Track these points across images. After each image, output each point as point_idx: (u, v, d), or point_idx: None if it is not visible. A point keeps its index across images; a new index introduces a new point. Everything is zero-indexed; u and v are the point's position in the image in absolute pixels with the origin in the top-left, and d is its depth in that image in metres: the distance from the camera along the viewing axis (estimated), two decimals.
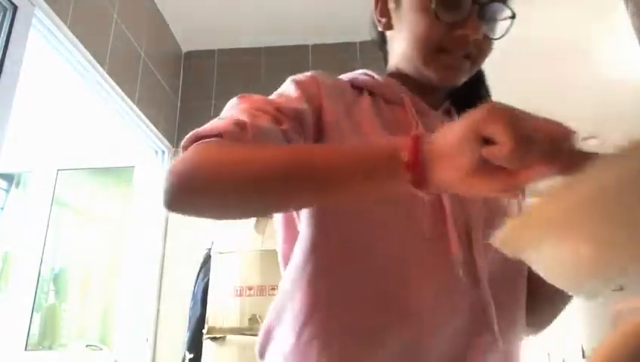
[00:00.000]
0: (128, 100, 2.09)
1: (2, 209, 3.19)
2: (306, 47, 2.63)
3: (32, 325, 2.75)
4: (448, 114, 0.78)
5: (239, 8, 2.39)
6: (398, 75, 0.77)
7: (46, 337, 2.85)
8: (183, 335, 2.04)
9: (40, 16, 1.59)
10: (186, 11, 2.45)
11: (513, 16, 0.72)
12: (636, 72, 2.94)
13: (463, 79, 0.74)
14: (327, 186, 0.50)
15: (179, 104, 2.63)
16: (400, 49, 0.75)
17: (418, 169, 0.44)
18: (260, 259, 1.85)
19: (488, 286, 0.63)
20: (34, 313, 2.77)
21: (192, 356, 1.89)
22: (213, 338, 1.81)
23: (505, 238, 0.44)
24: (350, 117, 0.68)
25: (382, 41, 0.81)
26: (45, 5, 1.58)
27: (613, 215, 0.41)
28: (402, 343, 0.60)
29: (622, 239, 0.41)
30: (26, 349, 2.69)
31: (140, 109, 2.18)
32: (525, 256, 0.46)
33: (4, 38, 1.47)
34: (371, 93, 0.74)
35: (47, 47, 1.71)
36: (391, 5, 0.76)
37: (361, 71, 0.78)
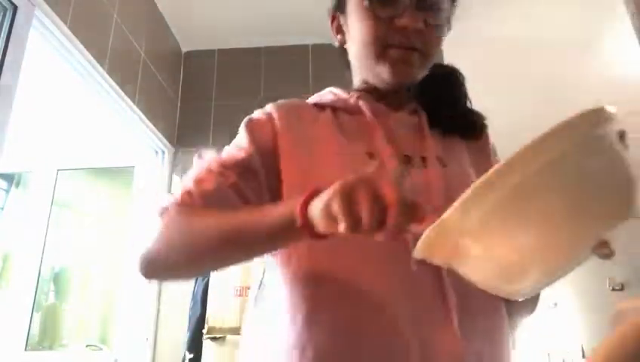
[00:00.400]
0: (128, 100, 2.09)
1: (2, 209, 3.19)
2: (306, 47, 2.63)
3: (32, 325, 2.75)
4: (415, 113, 0.80)
5: (239, 8, 2.39)
6: (360, 87, 0.82)
7: (46, 337, 2.85)
8: (183, 335, 2.04)
9: (40, 16, 1.59)
10: (186, 11, 2.45)
11: (454, 1, 0.76)
12: (637, 72, 2.94)
13: (418, 73, 0.77)
14: (248, 249, 0.64)
15: (179, 104, 2.63)
16: (355, 58, 0.80)
17: (310, 231, 0.54)
18: (260, 258, 1.84)
19: (459, 289, 0.64)
20: (34, 313, 2.77)
21: (192, 356, 1.89)
22: (213, 338, 1.81)
23: (424, 248, 0.45)
24: (309, 134, 0.74)
25: (344, 57, 0.85)
26: (45, 5, 1.58)
27: (527, 216, 0.41)
28: (372, 337, 0.63)
29: (539, 239, 0.41)
30: (26, 349, 2.69)
31: (140, 109, 2.18)
32: (452, 265, 0.46)
33: (4, 38, 1.47)
34: (335, 109, 0.79)
35: (47, 47, 1.71)
36: (342, 21, 0.81)
37: (327, 90, 0.84)
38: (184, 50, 2.72)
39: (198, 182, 0.70)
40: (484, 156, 0.81)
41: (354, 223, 0.48)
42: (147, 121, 2.25)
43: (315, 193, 0.54)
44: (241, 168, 0.71)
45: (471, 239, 0.43)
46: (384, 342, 0.62)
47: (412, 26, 0.71)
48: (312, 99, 0.83)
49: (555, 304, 7.68)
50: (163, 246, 0.67)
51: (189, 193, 0.69)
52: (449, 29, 0.80)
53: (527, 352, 7.46)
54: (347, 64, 0.85)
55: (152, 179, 2.43)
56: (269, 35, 2.56)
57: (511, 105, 3.33)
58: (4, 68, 1.44)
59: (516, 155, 0.40)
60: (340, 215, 0.48)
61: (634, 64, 2.86)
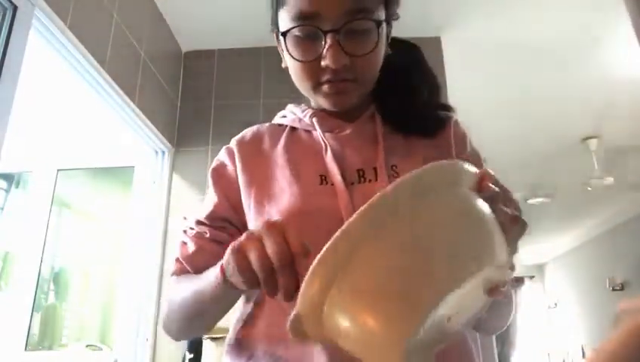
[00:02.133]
0: (128, 100, 2.09)
1: (2, 209, 3.19)
2: None
3: (32, 325, 2.75)
4: (372, 119, 0.81)
5: (239, 8, 2.39)
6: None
7: (46, 337, 2.85)
8: None
9: (40, 16, 1.59)
10: (186, 11, 2.45)
11: (378, 24, 0.72)
12: (637, 72, 2.94)
13: (358, 96, 0.77)
14: (208, 313, 0.72)
15: (179, 104, 2.63)
16: (295, 83, 0.80)
17: (236, 288, 0.57)
18: None
19: None
20: (34, 313, 2.77)
21: (192, 356, 1.90)
22: (213, 339, 1.81)
23: (294, 330, 0.45)
24: (266, 167, 0.78)
25: None
26: (45, 5, 1.58)
27: (377, 281, 0.41)
28: None
29: (401, 300, 0.40)
30: (26, 349, 2.69)
31: (140, 109, 2.18)
32: (330, 340, 0.45)
33: (4, 38, 1.47)
34: (294, 128, 0.82)
35: (47, 47, 1.71)
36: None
37: (288, 108, 0.86)
38: (184, 50, 2.72)
39: (183, 247, 0.79)
40: (446, 152, 0.79)
41: (248, 281, 0.52)
42: (147, 121, 2.25)
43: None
44: (213, 220, 0.78)
45: (333, 313, 0.43)
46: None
47: (335, 67, 0.70)
48: (276, 119, 0.87)
49: (555, 304, 7.69)
50: (169, 315, 0.77)
51: (178, 260, 0.79)
52: (395, 18, 0.78)
53: (527, 352, 7.47)
54: None
55: (152, 179, 2.43)
56: (269, 35, 2.56)
57: (511, 106, 3.33)
58: (4, 68, 1.44)
59: (345, 227, 0.41)
60: (236, 276, 0.53)
61: (634, 64, 2.87)
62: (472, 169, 0.47)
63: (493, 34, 2.63)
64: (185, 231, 0.80)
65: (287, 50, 0.74)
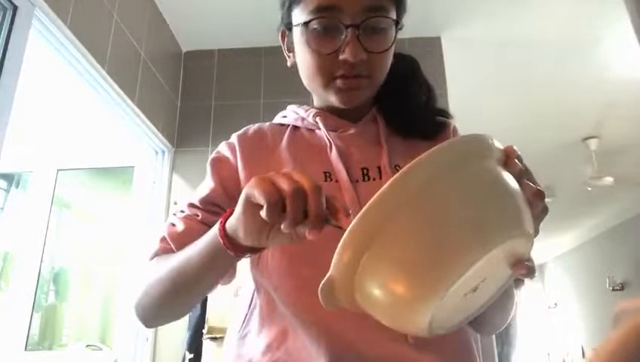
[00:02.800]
0: (128, 100, 2.09)
1: (2, 209, 3.19)
2: None
3: (32, 325, 2.75)
4: (375, 121, 0.81)
5: (239, 8, 2.39)
6: (319, 103, 0.83)
7: (46, 337, 2.85)
8: (183, 335, 2.04)
9: (40, 16, 1.59)
10: (186, 11, 2.45)
11: (396, 23, 0.73)
12: (637, 72, 2.94)
13: (368, 95, 0.77)
14: (193, 283, 0.68)
15: (179, 104, 2.63)
16: (304, 82, 0.80)
17: (232, 245, 0.57)
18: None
19: None
20: (34, 313, 2.77)
21: (192, 356, 1.90)
22: (213, 339, 1.81)
23: (326, 295, 0.45)
24: (268, 162, 0.78)
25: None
26: (45, 5, 1.58)
27: (407, 250, 0.41)
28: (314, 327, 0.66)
29: (424, 268, 0.41)
30: (26, 349, 2.69)
31: (140, 109, 2.18)
32: (360, 306, 0.46)
33: (4, 38, 1.47)
34: (296, 127, 0.82)
35: (47, 47, 1.71)
36: (292, 39, 0.80)
37: (290, 108, 0.86)
38: (184, 50, 2.72)
39: (171, 227, 0.77)
40: None
41: (275, 204, 0.48)
42: (147, 121, 2.25)
43: (233, 211, 0.57)
44: (206, 204, 0.77)
45: (364, 280, 0.43)
46: (331, 349, 0.65)
47: (352, 60, 0.70)
48: (277, 119, 0.87)
49: (555, 304, 7.69)
50: (146, 296, 0.72)
51: (163, 240, 0.77)
52: (400, 27, 0.79)
53: (527, 352, 7.47)
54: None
55: (152, 179, 2.43)
56: (269, 35, 2.55)
57: (511, 105, 3.33)
58: (4, 68, 1.44)
59: (381, 193, 0.41)
60: (262, 198, 0.49)
61: (634, 64, 2.87)
62: (499, 145, 0.48)
63: (494, 33, 2.63)
64: (174, 214, 0.79)
65: (306, 42, 0.73)
